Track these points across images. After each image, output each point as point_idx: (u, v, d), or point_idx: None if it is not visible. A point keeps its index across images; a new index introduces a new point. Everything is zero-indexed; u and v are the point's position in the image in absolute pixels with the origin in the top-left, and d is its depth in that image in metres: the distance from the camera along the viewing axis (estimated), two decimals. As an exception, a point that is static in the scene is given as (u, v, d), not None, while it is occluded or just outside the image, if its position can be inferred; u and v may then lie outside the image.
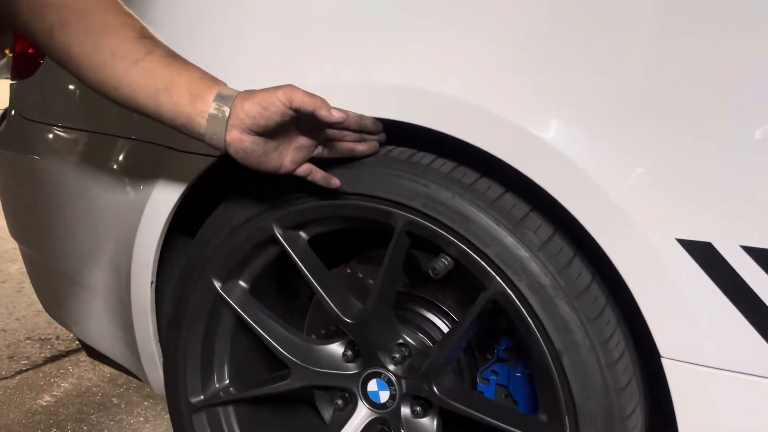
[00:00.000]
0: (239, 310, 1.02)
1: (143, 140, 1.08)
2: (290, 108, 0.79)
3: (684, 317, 0.74)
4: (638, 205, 0.75)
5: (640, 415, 0.83)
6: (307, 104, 0.78)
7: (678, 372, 0.76)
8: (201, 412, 1.08)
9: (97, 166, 1.19)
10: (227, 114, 0.81)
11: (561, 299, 0.79)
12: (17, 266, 3.44)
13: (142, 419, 1.85)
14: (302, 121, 0.83)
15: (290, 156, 0.86)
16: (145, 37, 0.85)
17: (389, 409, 1.00)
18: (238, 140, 0.81)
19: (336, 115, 0.79)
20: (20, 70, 1.41)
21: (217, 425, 1.09)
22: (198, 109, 0.81)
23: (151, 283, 1.13)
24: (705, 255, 0.72)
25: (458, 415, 0.93)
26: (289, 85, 0.79)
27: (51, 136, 1.32)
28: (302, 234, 0.98)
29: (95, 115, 1.19)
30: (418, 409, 0.98)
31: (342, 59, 0.88)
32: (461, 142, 0.82)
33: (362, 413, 1.02)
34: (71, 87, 1.28)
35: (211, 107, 0.81)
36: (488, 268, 0.82)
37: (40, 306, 1.71)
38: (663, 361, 0.76)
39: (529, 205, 0.85)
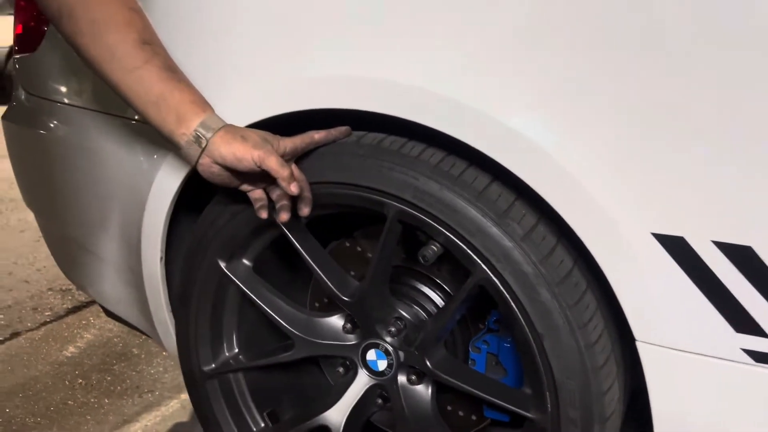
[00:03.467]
0: (244, 288, 1.08)
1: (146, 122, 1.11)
2: (259, 167, 0.88)
3: (657, 305, 0.79)
4: (616, 199, 0.78)
5: (618, 390, 0.89)
6: (274, 172, 0.88)
7: (651, 354, 0.81)
8: (213, 379, 1.16)
9: (103, 144, 1.23)
10: (204, 145, 0.89)
11: (542, 287, 0.84)
12: (35, 215, 3.54)
13: (161, 369, 1.96)
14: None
15: (248, 182, 0.95)
16: (146, 42, 0.90)
17: (387, 377, 1.07)
18: (208, 166, 0.92)
19: (294, 190, 0.88)
20: (23, 44, 1.42)
21: (228, 390, 1.17)
22: (180, 131, 0.90)
23: (161, 259, 1.19)
24: (678, 248, 0.76)
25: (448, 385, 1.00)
26: (267, 150, 0.87)
27: (55, 112, 1.35)
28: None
29: (98, 94, 1.22)
30: (414, 377, 1.05)
31: (326, 53, 0.90)
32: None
33: (362, 380, 1.09)
34: (72, 64, 1.30)
35: (192, 134, 0.90)
36: (474, 257, 0.87)
37: (58, 262, 1.79)
38: (637, 344, 0.82)
39: (515, 193, 0.89)
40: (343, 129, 0.95)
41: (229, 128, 0.90)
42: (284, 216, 0.93)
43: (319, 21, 0.90)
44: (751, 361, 0.77)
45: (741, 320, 0.76)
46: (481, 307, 1.08)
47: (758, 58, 0.69)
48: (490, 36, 0.80)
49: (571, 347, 0.84)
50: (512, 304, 0.86)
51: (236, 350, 1.16)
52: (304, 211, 0.94)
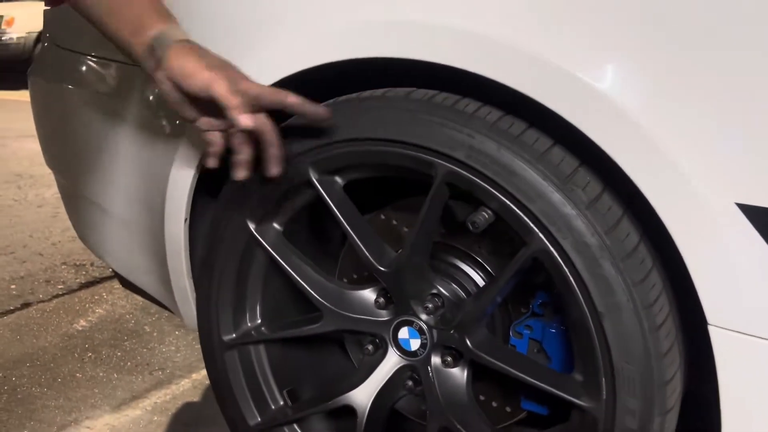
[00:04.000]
0: (273, 253, 1.01)
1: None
2: (207, 94, 0.80)
3: (737, 285, 0.71)
4: (697, 164, 0.70)
5: (680, 381, 0.81)
6: (221, 98, 0.79)
7: (725, 341, 0.73)
8: (233, 350, 1.09)
9: (132, 99, 1.17)
10: (159, 56, 0.82)
11: (606, 260, 0.76)
12: (53, 191, 3.51)
13: (173, 348, 1.90)
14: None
15: (207, 116, 0.86)
16: None
17: (419, 358, 0.99)
18: (161, 81, 0.84)
19: (245, 122, 0.79)
20: (53, -4, 1.38)
21: (248, 363, 1.10)
22: (137, 40, 0.84)
23: (185, 220, 1.12)
24: (766, 222, 0.68)
25: (490, 367, 0.92)
26: (221, 75, 0.80)
27: (85, 65, 1.30)
28: (338, 179, 0.96)
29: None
30: (449, 359, 0.98)
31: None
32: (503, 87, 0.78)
33: (392, 360, 1.02)
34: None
35: (148, 44, 0.83)
36: (531, 225, 0.79)
37: (75, 232, 1.74)
38: (710, 328, 0.73)
39: (578, 159, 0.81)
40: (321, 110, 0.85)
41: (190, 44, 0.83)
42: (241, 173, 0.84)
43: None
44: (843, 354, 0.68)
45: (834, 306, 0.68)
46: (525, 289, 1.01)
47: None
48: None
49: (633, 329, 0.76)
50: (570, 278, 0.78)
51: (259, 320, 1.09)
52: (273, 171, 0.85)
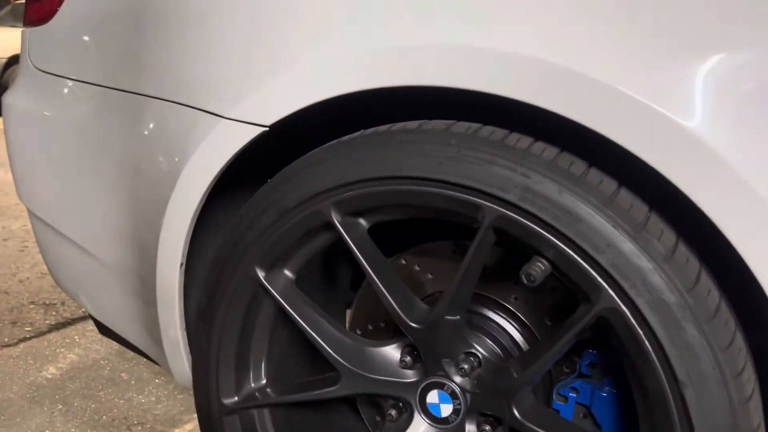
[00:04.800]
0: (284, 304, 0.89)
1: (180, 103, 0.94)
2: None
3: None
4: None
5: (768, 461, 0.70)
6: None
7: (830, 418, 0.63)
8: (234, 415, 0.96)
9: (123, 128, 1.05)
10: None
11: (689, 322, 0.65)
12: (20, 223, 3.32)
13: (153, 399, 1.74)
14: None
15: None
16: None
17: (451, 425, 0.88)
18: None
19: None
20: (34, 16, 1.25)
21: (250, 429, 0.96)
22: None
23: (181, 265, 0.99)
24: None
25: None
26: None
27: (67, 90, 1.18)
28: (362, 222, 0.85)
29: (122, 69, 1.04)
30: (487, 427, 0.86)
31: (447, 21, 0.73)
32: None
33: (420, 428, 0.89)
34: (92, 36, 1.13)
35: None
36: (599, 279, 0.68)
37: (44, 267, 1.57)
38: (811, 404, 0.63)
39: (647, 203, 0.71)
40: None
41: None
42: None
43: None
44: None
45: None
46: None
47: None
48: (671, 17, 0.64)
49: (721, 402, 0.65)
50: (645, 342, 0.67)
51: (264, 381, 0.96)
52: None
